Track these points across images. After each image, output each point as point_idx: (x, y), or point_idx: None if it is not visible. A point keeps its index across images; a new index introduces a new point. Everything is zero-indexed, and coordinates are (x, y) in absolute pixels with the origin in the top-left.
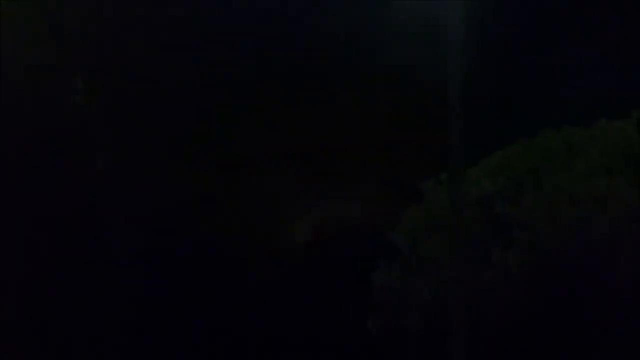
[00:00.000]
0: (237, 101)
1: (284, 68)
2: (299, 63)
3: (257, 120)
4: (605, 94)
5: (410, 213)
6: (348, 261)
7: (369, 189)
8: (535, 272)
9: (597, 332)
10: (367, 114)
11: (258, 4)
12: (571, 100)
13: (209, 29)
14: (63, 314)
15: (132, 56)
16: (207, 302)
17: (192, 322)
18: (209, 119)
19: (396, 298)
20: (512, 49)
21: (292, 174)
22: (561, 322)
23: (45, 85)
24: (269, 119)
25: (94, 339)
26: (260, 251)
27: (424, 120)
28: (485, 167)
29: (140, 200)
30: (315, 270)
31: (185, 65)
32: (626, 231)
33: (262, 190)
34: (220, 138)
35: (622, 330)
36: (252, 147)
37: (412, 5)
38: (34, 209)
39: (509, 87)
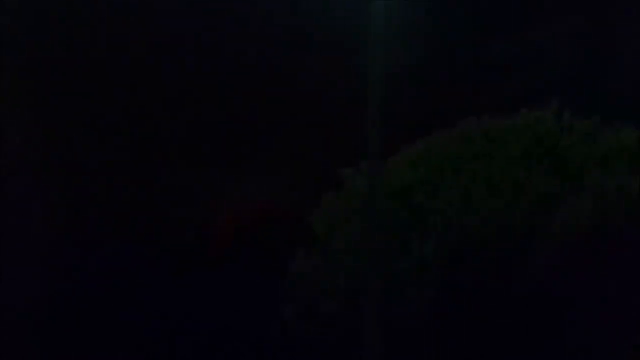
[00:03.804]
0: (147, 93)
1: (205, 60)
2: (218, 55)
3: (171, 110)
4: (526, 85)
5: (328, 200)
6: (267, 249)
7: (290, 177)
8: (452, 261)
9: (510, 322)
10: (287, 103)
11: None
12: (493, 90)
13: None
14: None
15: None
16: (118, 296)
17: (104, 318)
18: (117, 111)
19: (313, 285)
20: (434, 38)
21: (209, 163)
22: (475, 311)
23: None
24: (184, 109)
25: None
26: (175, 241)
27: (345, 109)
28: (406, 156)
29: (45, 202)
30: (233, 258)
31: (88, 64)
32: (543, 219)
33: (177, 179)
34: (129, 131)
35: (535, 319)
36: (164, 138)
37: None
38: None
39: (430, 76)
